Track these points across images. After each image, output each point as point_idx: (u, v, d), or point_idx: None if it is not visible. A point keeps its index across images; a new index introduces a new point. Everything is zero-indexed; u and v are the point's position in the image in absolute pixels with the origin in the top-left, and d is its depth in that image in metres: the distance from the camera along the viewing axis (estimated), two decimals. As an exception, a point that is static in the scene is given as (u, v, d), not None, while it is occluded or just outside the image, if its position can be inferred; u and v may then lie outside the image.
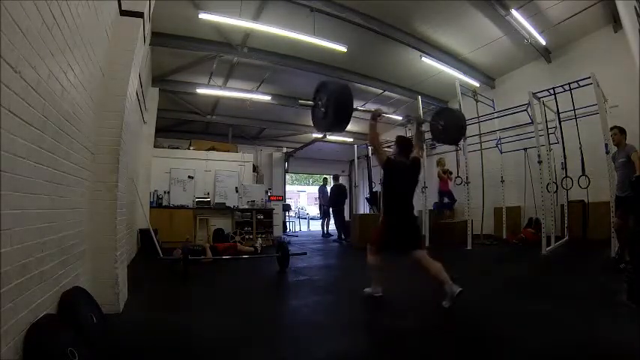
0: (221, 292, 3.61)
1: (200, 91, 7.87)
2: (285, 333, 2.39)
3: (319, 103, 2.78)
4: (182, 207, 7.95)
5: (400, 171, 2.96)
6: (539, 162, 5.33)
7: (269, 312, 2.88)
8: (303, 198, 27.49)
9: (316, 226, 14.44)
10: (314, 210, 18.98)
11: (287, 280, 4.19)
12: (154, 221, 6.42)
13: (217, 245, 5.97)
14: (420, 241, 3.06)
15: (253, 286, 3.93)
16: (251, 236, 7.80)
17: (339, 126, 2.76)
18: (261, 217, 8.36)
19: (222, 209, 8.22)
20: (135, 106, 4.62)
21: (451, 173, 8.18)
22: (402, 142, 3.11)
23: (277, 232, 9.16)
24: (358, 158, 9.82)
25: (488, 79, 8.26)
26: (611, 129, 4.15)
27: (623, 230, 3.79)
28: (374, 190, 9.76)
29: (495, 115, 7.11)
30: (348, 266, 5.44)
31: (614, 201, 4.13)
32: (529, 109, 5.46)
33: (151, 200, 7.56)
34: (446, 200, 8.03)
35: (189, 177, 8.35)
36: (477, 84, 7.85)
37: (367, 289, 3.12)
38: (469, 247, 6.00)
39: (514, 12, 5.40)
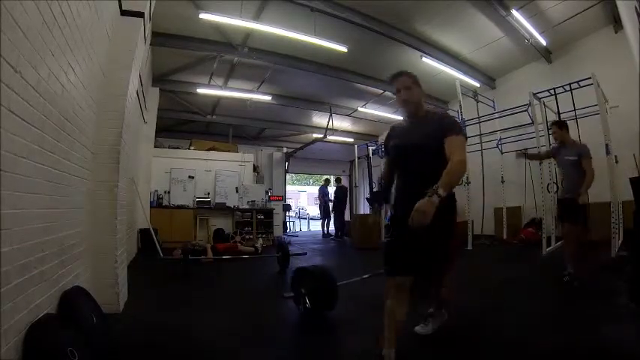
0: (221, 292, 3.61)
1: (200, 91, 7.87)
2: (285, 333, 2.39)
3: (302, 291, 2.70)
4: (182, 207, 7.95)
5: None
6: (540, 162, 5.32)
7: (269, 312, 2.88)
8: (303, 198, 27.47)
9: (316, 226, 14.43)
10: (314, 210, 18.97)
11: (287, 280, 4.18)
12: (154, 221, 6.42)
13: (218, 245, 5.97)
14: None
15: (254, 286, 3.93)
16: (251, 236, 7.80)
17: (329, 307, 2.65)
18: (262, 217, 8.37)
19: (222, 209, 8.22)
20: (135, 106, 4.62)
21: None
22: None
23: (277, 232, 9.16)
24: (358, 158, 9.80)
25: (489, 79, 8.25)
26: (550, 127, 3.86)
27: (576, 238, 3.53)
28: (374, 189, 9.76)
29: (496, 115, 7.10)
30: (349, 266, 5.44)
31: (557, 203, 3.76)
32: (530, 110, 5.45)
33: (151, 200, 7.56)
34: None
35: (189, 177, 8.35)
36: (477, 84, 7.84)
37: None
38: (469, 248, 5.99)
39: (514, 12, 5.40)
